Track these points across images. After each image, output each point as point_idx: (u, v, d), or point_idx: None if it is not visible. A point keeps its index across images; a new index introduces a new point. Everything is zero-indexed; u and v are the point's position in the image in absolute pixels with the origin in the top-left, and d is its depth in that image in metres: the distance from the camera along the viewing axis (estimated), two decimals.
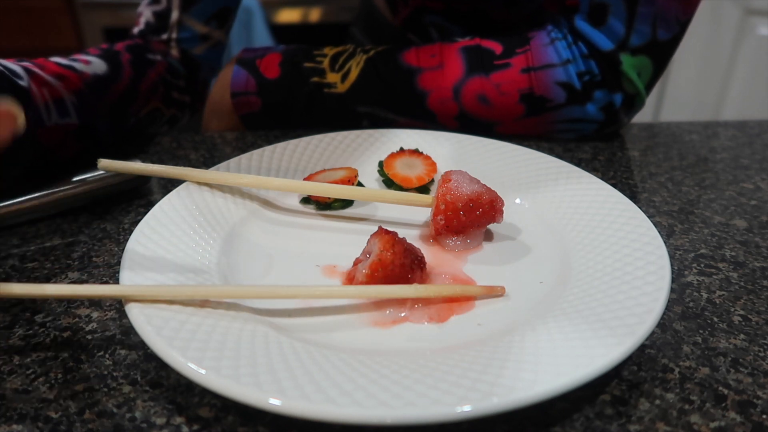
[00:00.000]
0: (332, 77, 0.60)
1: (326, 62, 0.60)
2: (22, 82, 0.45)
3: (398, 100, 0.60)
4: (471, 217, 0.39)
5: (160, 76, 0.63)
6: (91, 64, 0.56)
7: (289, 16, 1.93)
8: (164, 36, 0.65)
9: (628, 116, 0.60)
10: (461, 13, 0.69)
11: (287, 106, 0.61)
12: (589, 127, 0.60)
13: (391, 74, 0.59)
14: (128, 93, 0.58)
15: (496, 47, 0.59)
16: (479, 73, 0.58)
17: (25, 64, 0.49)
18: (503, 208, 0.40)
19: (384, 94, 0.60)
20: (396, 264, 0.34)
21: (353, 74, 0.60)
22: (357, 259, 0.37)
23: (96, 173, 0.47)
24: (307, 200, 0.46)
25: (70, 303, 0.36)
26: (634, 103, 0.59)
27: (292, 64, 0.60)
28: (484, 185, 0.41)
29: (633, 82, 0.56)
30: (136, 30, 0.66)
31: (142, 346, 0.33)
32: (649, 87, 0.58)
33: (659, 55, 0.56)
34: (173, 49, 0.66)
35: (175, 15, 0.64)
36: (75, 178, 0.46)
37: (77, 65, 0.54)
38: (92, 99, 0.54)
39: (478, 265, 0.39)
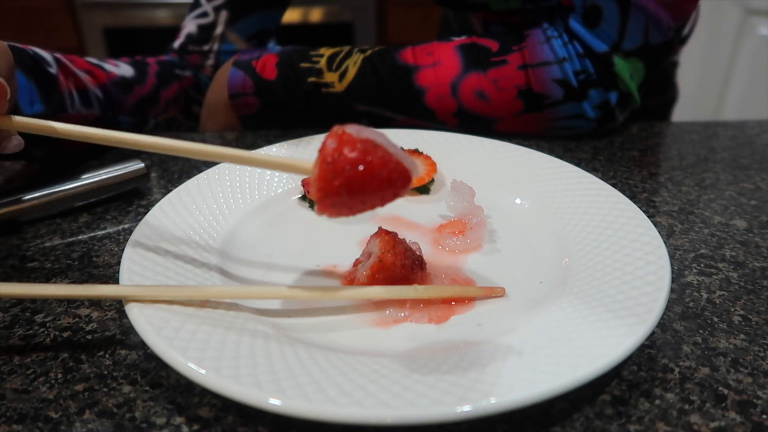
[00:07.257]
0: (330, 77, 0.60)
1: (323, 62, 0.60)
2: (51, 69, 0.50)
3: (397, 97, 0.60)
4: (361, 186, 0.28)
5: (183, 90, 0.69)
6: (119, 67, 0.62)
7: (289, 16, 1.93)
8: (206, 47, 0.71)
9: (623, 114, 0.60)
10: (514, 23, 0.70)
11: (286, 107, 0.61)
12: (587, 126, 0.60)
13: (389, 72, 0.59)
14: (150, 97, 0.64)
15: (493, 45, 0.59)
16: (477, 69, 0.58)
17: (57, 54, 0.53)
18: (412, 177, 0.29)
19: (382, 92, 0.60)
20: (397, 265, 0.34)
21: (351, 73, 0.60)
22: (357, 260, 0.37)
23: (95, 173, 0.47)
24: (304, 198, 0.46)
25: (70, 303, 0.36)
26: (629, 102, 0.59)
27: (289, 64, 0.60)
28: (386, 144, 0.29)
29: (625, 83, 0.57)
30: (176, 44, 0.71)
31: (142, 346, 0.33)
32: (641, 88, 0.59)
33: (651, 58, 0.57)
34: (210, 59, 0.71)
35: (219, 29, 0.70)
36: (76, 178, 0.46)
37: (106, 65, 0.60)
38: (116, 95, 0.59)
39: (478, 265, 0.39)
